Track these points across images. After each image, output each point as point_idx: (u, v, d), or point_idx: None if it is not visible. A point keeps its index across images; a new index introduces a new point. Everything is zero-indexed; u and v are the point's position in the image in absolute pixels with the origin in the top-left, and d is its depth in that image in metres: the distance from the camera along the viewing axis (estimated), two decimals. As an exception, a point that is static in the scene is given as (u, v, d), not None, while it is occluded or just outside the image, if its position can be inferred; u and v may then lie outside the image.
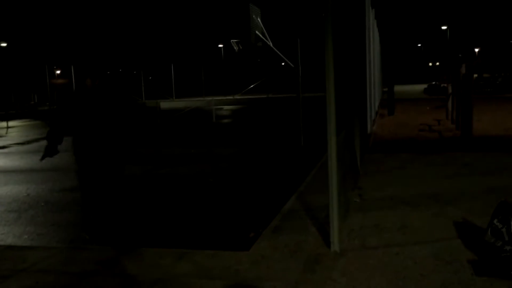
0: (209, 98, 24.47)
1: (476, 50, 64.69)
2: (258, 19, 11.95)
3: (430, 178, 6.65)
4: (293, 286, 3.37)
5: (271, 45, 12.35)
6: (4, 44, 55.05)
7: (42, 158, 4.64)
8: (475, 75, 24.73)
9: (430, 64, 74.60)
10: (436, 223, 4.62)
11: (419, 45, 77.82)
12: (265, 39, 12.12)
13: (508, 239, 3.30)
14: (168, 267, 3.82)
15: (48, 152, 4.62)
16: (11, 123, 23.94)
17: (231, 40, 12.46)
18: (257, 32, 11.72)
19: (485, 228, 3.61)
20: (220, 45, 63.69)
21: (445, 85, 16.09)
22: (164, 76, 48.91)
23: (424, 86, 38.63)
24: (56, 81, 54.03)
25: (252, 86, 41.30)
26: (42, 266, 3.98)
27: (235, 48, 12.65)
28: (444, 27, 61.55)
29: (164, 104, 34.53)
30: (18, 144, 14.67)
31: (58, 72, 62.24)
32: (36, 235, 5.32)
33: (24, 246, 4.80)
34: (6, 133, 18.95)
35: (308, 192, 6.14)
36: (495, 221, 3.45)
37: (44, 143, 4.71)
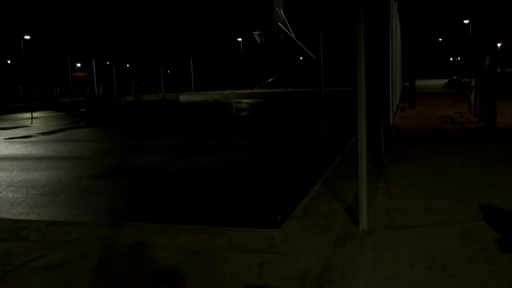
0: (228, 92, 24.62)
1: (499, 45, 63.72)
2: (281, 10, 12.06)
3: (453, 166, 6.74)
4: (326, 259, 3.55)
5: (294, 37, 12.46)
6: (27, 37, 56.16)
7: None
8: (498, 70, 24.47)
9: (451, 59, 73.75)
10: (461, 206, 4.74)
11: (440, 39, 76.90)
12: (287, 31, 12.23)
13: (534, 217, 3.42)
14: (205, 242, 4.03)
15: None
16: (35, 114, 24.52)
17: (254, 32, 12.58)
18: (279, 24, 11.84)
19: (510, 211, 3.73)
20: (239, 39, 63.83)
21: (467, 79, 16.03)
22: (183, 69, 49.31)
23: (445, 81, 38.31)
24: (77, 74, 54.91)
25: (270, 80, 41.43)
26: (87, 239, 4.23)
27: (257, 40, 12.76)
28: (466, 21, 60.67)
29: (184, 97, 34.86)
30: (43, 133, 15.07)
31: (79, 65, 63.24)
32: (71, 215, 5.57)
33: (67, 221, 5.05)
34: (31, 123, 19.47)
35: (333, 178, 6.30)
36: (521, 200, 3.57)
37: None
